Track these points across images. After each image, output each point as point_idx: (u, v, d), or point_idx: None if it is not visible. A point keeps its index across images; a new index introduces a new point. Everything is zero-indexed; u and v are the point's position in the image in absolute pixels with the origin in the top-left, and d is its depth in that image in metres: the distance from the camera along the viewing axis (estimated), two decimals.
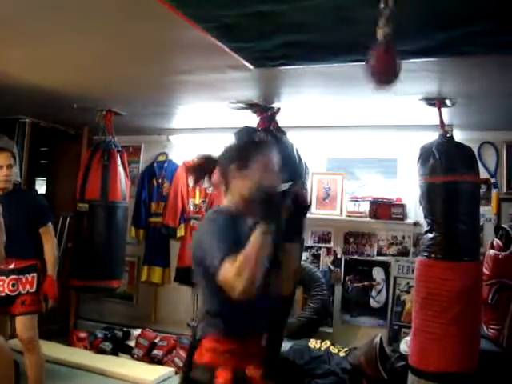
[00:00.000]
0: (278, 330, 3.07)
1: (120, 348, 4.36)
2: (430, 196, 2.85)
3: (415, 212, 3.84)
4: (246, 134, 2.92)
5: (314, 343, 3.68)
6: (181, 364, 3.73)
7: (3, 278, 3.01)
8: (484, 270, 3.09)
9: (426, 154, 2.88)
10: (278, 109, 3.28)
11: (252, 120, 3.30)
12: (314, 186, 4.26)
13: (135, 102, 3.67)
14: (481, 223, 3.23)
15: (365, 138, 4.07)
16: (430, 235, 2.81)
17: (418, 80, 2.62)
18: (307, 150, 3.65)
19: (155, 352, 4.19)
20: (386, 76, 1.64)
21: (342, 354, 3.59)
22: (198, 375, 1.68)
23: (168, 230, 4.59)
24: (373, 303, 4.06)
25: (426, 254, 2.82)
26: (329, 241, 4.26)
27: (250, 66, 2.52)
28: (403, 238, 4.04)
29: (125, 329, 4.58)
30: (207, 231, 1.67)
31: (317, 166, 4.24)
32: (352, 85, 2.74)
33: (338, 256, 4.22)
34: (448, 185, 2.78)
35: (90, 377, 3.84)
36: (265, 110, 3.28)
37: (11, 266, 3.02)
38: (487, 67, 2.35)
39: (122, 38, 2.31)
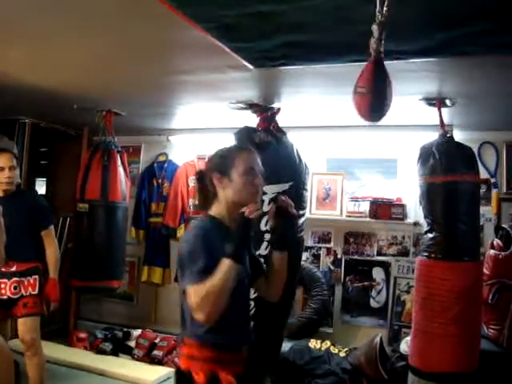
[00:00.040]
0: (278, 330, 3.08)
1: (120, 348, 4.37)
2: (429, 196, 2.85)
3: (415, 212, 3.84)
4: (243, 136, 2.93)
5: (314, 343, 3.68)
6: None
7: (5, 280, 3.01)
8: (484, 270, 3.09)
9: (425, 154, 2.88)
10: (278, 109, 3.27)
11: (252, 120, 3.29)
12: (314, 186, 4.26)
13: (135, 102, 3.67)
14: (481, 223, 3.23)
15: (365, 138, 4.07)
16: (430, 235, 2.81)
17: (417, 80, 2.62)
18: (307, 150, 3.64)
19: (155, 352, 4.19)
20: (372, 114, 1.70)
21: (342, 354, 3.59)
22: (178, 378, 1.76)
23: (168, 231, 4.59)
24: (373, 303, 4.06)
25: (426, 254, 2.82)
26: (329, 241, 4.26)
27: (250, 66, 2.52)
28: (403, 238, 4.04)
29: (125, 329, 4.59)
30: (187, 246, 1.69)
31: (317, 166, 4.24)
32: (352, 85, 2.73)
33: (338, 256, 4.22)
34: (448, 185, 2.78)
35: (90, 377, 3.84)
36: (265, 110, 3.27)
37: (13, 269, 3.01)
38: (487, 67, 2.35)
39: (122, 38, 2.31)
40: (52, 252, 3.16)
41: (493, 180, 3.75)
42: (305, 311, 3.99)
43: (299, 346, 3.65)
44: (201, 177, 1.85)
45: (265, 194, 2.85)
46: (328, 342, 3.72)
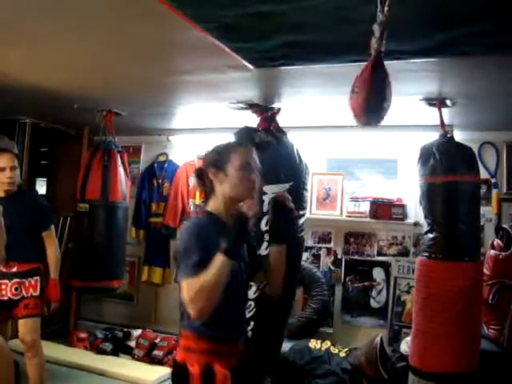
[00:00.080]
0: (278, 330, 3.08)
1: (120, 348, 4.37)
2: (430, 196, 2.85)
3: (415, 212, 3.83)
4: (244, 136, 2.94)
5: (314, 343, 3.68)
6: None
7: (6, 281, 3.00)
8: (484, 271, 3.09)
9: (426, 154, 2.88)
10: (279, 109, 3.27)
11: (252, 120, 3.29)
12: (314, 187, 4.26)
13: (135, 102, 3.68)
14: (481, 223, 3.22)
15: (365, 139, 4.07)
16: (431, 235, 2.81)
17: (418, 80, 2.62)
18: (307, 150, 3.64)
19: (155, 352, 4.19)
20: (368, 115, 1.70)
21: (342, 354, 3.59)
22: (175, 372, 1.78)
23: (168, 231, 4.59)
24: (373, 303, 4.06)
25: (426, 255, 2.82)
26: (329, 241, 4.26)
27: (250, 67, 2.52)
28: (403, 238, 4.03)
29: (125, 329, 4.59)
30: (182, 242, 1.71)
31: (317, 166, 4.24)
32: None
33: (339, 256, 4.22)
34: (448, 185, 2.78)
35: (91, 377, 3.84)
36: (265, 110, 3.27)
37: (14, 270, 3.01)
38: (487, 67, 2.35)
39: (122, 38, 2.31)
40: (53, 252, 3.16)
41: (493, 180, 3.75)
42: (305, 311, 3.99)
43: (299, 346, 3.65)
44: (200, 173, 1.86)
45: (265, 194, 2.85)
46: (328, 342, 3.72)
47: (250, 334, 2.82)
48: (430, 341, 2.71)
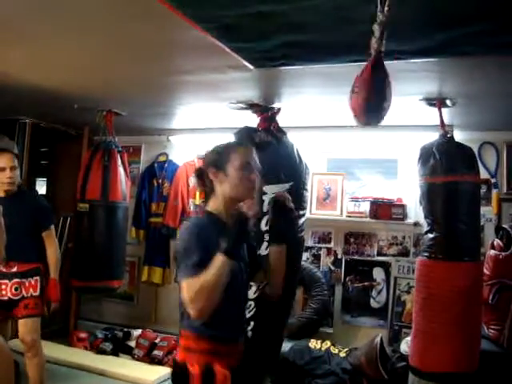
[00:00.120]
0: (278, 330, 3.08)
1: (120, 348, 4.37)
2: (430, 196, 2.85)
3: (415, 212, 3.83)
4: (244, 136, 2.94)
5: (314, 343, 3.68)
6: None
7: (6, 281, 3.00)
8: (484, 271, 3.09)
9: (426, 155, 2.88)
10: (279, 109, 3.27)
11: (252, 120, 3.29)
12: (314, 187, 4.25)
13: (135, 102, 3.68)
14: (481, 223, 3.22)
15: (365, 139, 4.07)
16: (431, 235, 2.81)
17: (418, 80, 2.62)
18: (307, 150, 3.64)
19: (155, 352, 4.19)
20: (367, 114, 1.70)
21: (342, 354, 3.59)
22: (175, 372, 1.78)
23: (168, 231, 4.59)
24: (373, 303, 4.06)
25: (426, 255, 2.82)
26: (329, 241, 4.26)
27: (251, 67, 2.52)
28: (403, 238, 4.03)
29: (125, 329, 4.59)
30: (182, 242, 1.71)
31: (317, 166, 4.24)
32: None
33: (339, 256, 4.22)
34: (448, 185, 2.78)
35: (91, 377, 3.84)
36: (265, 110, 3.27)
37: (14, 270, 3.01)
38: (487, 67, 2.35)
39: (122, 39, 2.31)
40: (53, 252, 3.16)
41: (493, 180, 3.75)
42: (305, 311, 3.99)
43: (299, 346, 3.65)
44: (200, 173, 1.86)
45: (265, 194, 2.85)
46: (328, 342, 3.72)
47: (249, 334, 2.82)
48: (430, 341, 2.71)
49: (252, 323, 2.83)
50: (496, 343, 3.08)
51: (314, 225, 4.15)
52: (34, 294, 3.05)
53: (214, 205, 1.79)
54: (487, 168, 3.75)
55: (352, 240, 4.20)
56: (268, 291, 1.98)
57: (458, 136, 3.13)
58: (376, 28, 1.56)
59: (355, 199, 4.18)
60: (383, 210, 4.02)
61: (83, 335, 4.53)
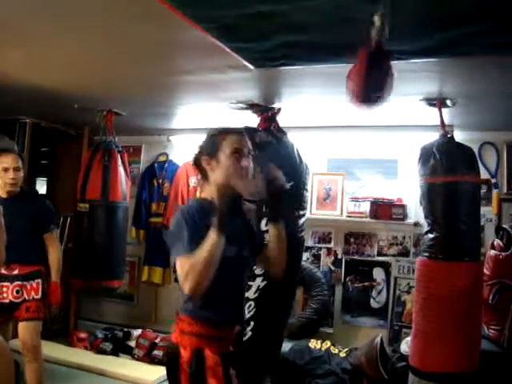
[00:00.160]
0: (278, 330, 3.08)
1: (120, 348, 4.36)
2: (430, 196, 2.85)
3: (416, 212, 3.83)
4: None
5: (314, 343, 3.68)
6: None
7: (7, 284, 2.96)
8: (485, 271, 3.09)
9: (426, 155, 2.88)
10: (279, 109, 3.28)
11: (252, 120, 3.29)
12: (314, 187, 4.25)
13: (136, 102, 3.68)
14: (481, 223, 3.22)
15: (365, 139, 4.07)
16: (431, 235, 2.81)
17: (418, 80, 2.62)
18: (308, 150, 3.64)
19: (155, 352, 4.18)
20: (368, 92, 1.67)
21: (342, 354, 3.59)
22: (168, 358, 1.82)
23: None
24: (373, 303, 4.06)
25: (426, 255, 2.82)
26: (329, 241, 4.26)
27: (251, 67, 2.52)
28: (404, 238, 4.03)
29: (125, 329, 4.58)
30: (175, 222, 1.72)
31: (317, 166, 4.24)
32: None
33: (339, 256, 4.22)
34: (448, 185, 2.78)
35: (91, 377, 3.84)
36: (265, 110, 3.27)
37: (15, 272, 2.98)
38: (487, 68, 2.35)
39: (122, 38, 2.31)
40: (55, 255, 3.12)
41: (493, 180, 3.75)
42: (305, 311, 3.98)
43: (299, 346, 3.65)
44: (196, 161, 1.87)
45: None
46: (328, 342, 3.71)
47: (249, 334, 2.82)
48: (430, 341, 2.72)
49: (252, 323, 2.83)
50: (496, 343, 3.08)
51: (314, 225, 4.14)
52: (36, 297, 3.01)
53: (208, 192, 1.80)
54: (487, 168, 3.74)
55: (352, 240, 4.20)
56: (271, 271, 1.97)
57: (458, 136, 3.13)
58: (376, 19, 1.55)
59: (355, 199, 4.17)
60: (383, 210, 4.02)
61: (83, 335, 4.52)
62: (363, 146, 4.18)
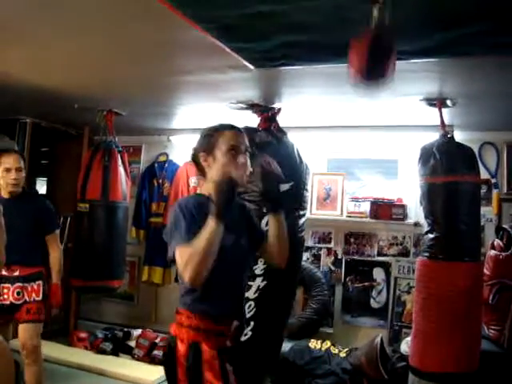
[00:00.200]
0: (278, 330, 3.08)
1: (120, 348, 4.36)
2: (430, 196, 2.85)
3: (416, 212, 3.83)
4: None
5: (314, 343, 3.68)
6: None
7: (8, 285, 2.94)
8: (485, 271, 3.09)
9: (426, 155, 2.88)
10: (279, 109, 3.27)
11: (252, 120, 3.29)
12: (314, 187, 4.25)
13: (136, 102, 3.68)
14: (481, 223, 3.23)
15: (365, 139, 4.07)
16: (431, 235, 2.81)
17: (418, 80, 2.62)
18: (308, 150, 3.64)
19: (156, 352, 4.19)
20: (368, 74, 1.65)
21: (342, 354, 3.59)
22: (167, 344, 1.82)
23: None
24: (373, 304, 4.06)
25: (426, 255, 2.82)
26: (329, 241, 4.26)
27: (251, 67, 2.52)
28: (404, 238, 4.03)
29: (125, 329, 4.59)
30: (173, 215, 1.73)
31: (317, 166, 4.24)
32: (353, 85, 2.74)
33: (339, 256, 4.22)
34: (449, 185, 2.78)
35: (91, 377, 3.84)
36: (265, 110, 3.27)
37: (16, 274, 2.96)
38: (487, 68, 2.35)
39: (122, 39, 2.31)
40: (56, 257, 3.10)
41: (493, 180, 3.75)
42: (305, 311, 3.98)
43: (299, 346, 3.65)
44: (194, 158, 1.87)
45: None
46: (328, 342, 3.72)
47: (250, 334, 2.82)
48: (430, 341, 2.72)
49: (252, 323, 2.83)
50: (496, 343, 3.08)
51: (314, 225, 4.15)
52: (37, 299, 3.00)
53: (206, 188, 1.81)
54: (487, 168, 3.75)
55: (352, 240, 4.20)
56: (274, 263, 1.96)
57: (459, 136, 3.13)
58: (375, 12, 1.55)
59: (355, 199, 4.18)
60: (383, 210, 4.02)
61: (83, 335, 4.53)
62: (363, 146, 4.18)
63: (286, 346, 3.51)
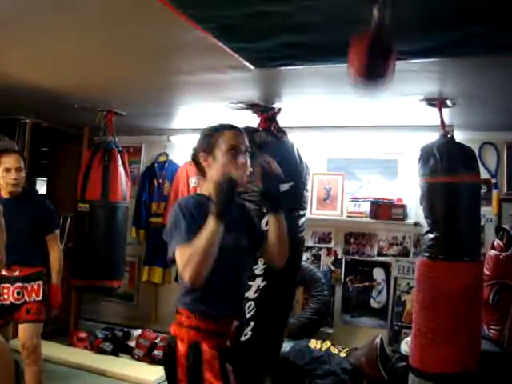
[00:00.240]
0: (278, 330, 3.08)
1: (120, 348, 4.36)
2: (430, 196, 2.85)
3: (416, 212, 3.84)
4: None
5: (314, 343, 3.68)
6: None
7: (8, 285, 2.94)
8: (485, 271, 3.09)
9: (426, 155, 2.88)
10: (279, 109, 3.28)
11: (253, 120, 3.29)
12: (314, 187, 4.25)
13: (136, 102, 3.68)
14: (481, 224, 3.23)
15: (365, 139, 4.07)
16: (431, 235, 2.81)
17: (418, 80, 2.62)
18: (308, 150, 3.65)
19: (156, 352, 4.18)
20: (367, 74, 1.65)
21: (342, 354, 3.59)
22: (167, 344, 1.81)
23: None
24: (373, 304, 4.06)
25: (426, 255, 2.82)
26: (329, 241, 4.26)
27: (251, 67, 2.52)
28: (404, 238, 4.03)
29: (125, 329, 4.58)
30: (172, 214, 1.73)
31: (317, 166, 4.24)
32: (352, 85, 2.74)
33: (339, 256, 4.22)
34: (449, 185, 2.78)
35: (91, 377, 3.84)
36: (265, 110, 3.27)
37: (16, 274, 2.95)
38: (487, 68, 2.35)
39: (122, 38, 2.31)
40: (56, 257, 3.10)
41: (493, 180, 3.75)
42: (305, 311, 3.98)
43: (299, 346, 3.65)
44: (194, 158, 1.87)
45: None
46: (328, 343, 3.72)
47: (250, 334, 2.82)
48: (430, 341, 2.71)
49: (252, 323, 2.83)
50: (496, 343, 3.08)
51: (314, 225, 4.15)
52: (37, 299, 2.99)
53: (206, 189, 1.81)
54: (487, 168, 3.75)
55: (352, 240, 4.20)
56: (274, 263, 1.96)
57: (459, 136, 3.13)
58: (375, 12, 1.55)
59: (355, 199, 4.18)
60: (383, 210, 4.02)
61: (83, 335, 4.52)
62: (363, 146, 4.18)
63: (286, 346, 3.51)
